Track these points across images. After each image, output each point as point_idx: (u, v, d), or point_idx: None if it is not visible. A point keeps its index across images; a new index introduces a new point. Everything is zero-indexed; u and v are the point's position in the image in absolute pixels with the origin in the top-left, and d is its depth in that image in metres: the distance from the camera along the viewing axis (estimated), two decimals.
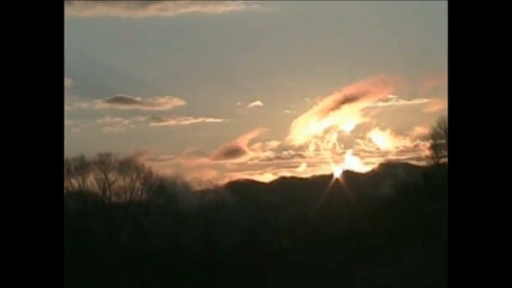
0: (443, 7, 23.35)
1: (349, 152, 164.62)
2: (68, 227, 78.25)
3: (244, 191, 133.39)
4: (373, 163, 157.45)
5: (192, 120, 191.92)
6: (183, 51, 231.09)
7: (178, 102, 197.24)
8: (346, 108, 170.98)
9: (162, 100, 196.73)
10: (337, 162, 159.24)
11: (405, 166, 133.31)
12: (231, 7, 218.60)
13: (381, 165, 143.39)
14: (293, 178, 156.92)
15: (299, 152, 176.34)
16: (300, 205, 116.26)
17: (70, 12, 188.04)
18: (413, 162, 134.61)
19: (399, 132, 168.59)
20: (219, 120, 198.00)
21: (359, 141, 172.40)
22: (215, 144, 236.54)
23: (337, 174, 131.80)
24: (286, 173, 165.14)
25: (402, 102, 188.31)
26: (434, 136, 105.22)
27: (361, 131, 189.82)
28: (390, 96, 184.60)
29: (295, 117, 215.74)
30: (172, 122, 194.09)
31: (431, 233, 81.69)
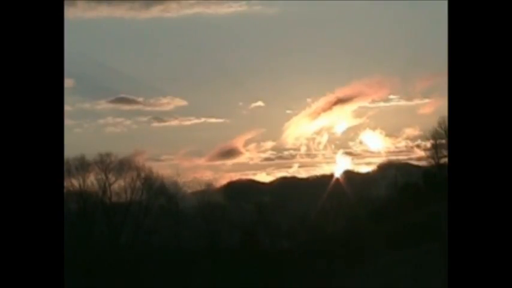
0: (443, 7, 23.35)
1: (346, 152, 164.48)
2: (68, 227, 78.37)
3: (245, 191, 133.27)
4: (370, 163, 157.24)
5: (194, 121, 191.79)
6: (185, 52, 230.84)
7: (180, 102, 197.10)
8: (340, 109, 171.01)
9: (164, 100, 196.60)
10: (333, 162, 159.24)
11: (405, 166, 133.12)
12: (234, 8, 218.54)
13: (381, 165, 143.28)
14: (293, 178, 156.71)
15: (293, 152, 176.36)
16: (300, 205, 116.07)
17: (73, 13, 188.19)
18: (414, 162, 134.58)
19: (391, 133, 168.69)
20: (221, 120, 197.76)
21: (354, 141, 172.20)
22: (216, 145, 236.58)
23: (337, 174, 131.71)
24: (282, 173, 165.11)
25: (397, 103, 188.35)
26: (434, 136, 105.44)
27: (353, 131, 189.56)
28: (388, 96, 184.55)
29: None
30: (174, 123, 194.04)
31: (431, 233, 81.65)
